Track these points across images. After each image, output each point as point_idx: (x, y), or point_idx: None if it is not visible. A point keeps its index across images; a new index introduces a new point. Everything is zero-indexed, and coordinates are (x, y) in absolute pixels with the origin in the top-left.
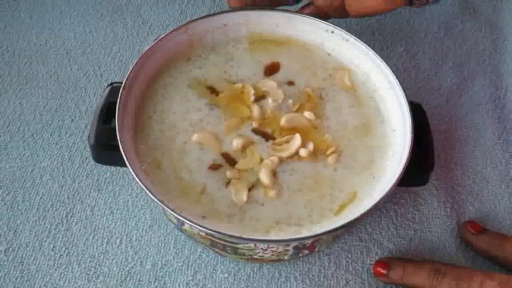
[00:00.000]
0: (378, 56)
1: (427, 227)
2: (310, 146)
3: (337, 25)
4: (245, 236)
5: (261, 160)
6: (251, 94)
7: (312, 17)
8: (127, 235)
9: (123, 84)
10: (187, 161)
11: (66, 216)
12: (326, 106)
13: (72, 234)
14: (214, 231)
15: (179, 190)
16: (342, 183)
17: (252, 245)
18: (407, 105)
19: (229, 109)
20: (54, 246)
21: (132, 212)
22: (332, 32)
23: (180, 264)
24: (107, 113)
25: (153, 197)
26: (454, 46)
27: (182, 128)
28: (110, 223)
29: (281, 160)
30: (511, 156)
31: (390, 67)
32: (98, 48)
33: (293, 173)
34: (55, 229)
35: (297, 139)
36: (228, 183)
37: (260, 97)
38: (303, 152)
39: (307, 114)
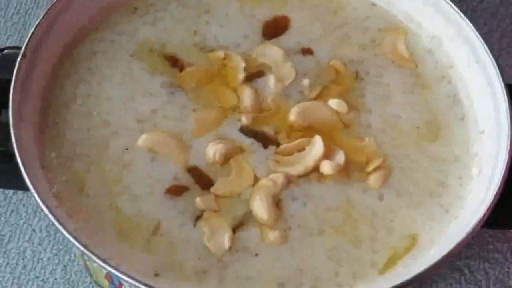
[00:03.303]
0: (458, 10)
1: None
2: (339, 157)
3: None
4: None
5: (256, 179)
6: (239, 68)
7: None
8: None
9: (22, 50)
10: (130, 180)
11: None
12: (367, 91)
13: None
14: None
15: (115, 228)
16: (392, 220)
17: None
18: (506, 91)
19: (202, 94)
20: None
21: (33, 268)
22: None
23: None
24: None
25: (70, 238)
26: None
27: (122, 124)
28: None
29: (289, 181)
30: None
31: (478, 30)
32: None
33: (309, 202)
34: None
35: (316, 146)
36: (198, 217)
37: (254, 75)
38: (326, 167)
39: (335, 103)
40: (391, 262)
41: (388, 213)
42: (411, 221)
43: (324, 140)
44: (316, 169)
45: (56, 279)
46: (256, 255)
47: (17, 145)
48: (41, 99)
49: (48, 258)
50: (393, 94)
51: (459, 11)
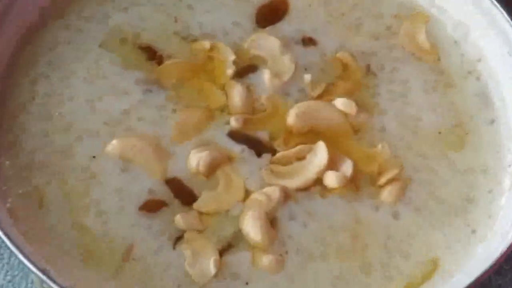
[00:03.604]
0: None
1: None
2: (347, 167)
3: None
4: None
5: (247, 193)
6: (228, 61)
7: None
8: None
9: None
10: (97, 194)
11: None
12: (380, 88)
13: None
14: None
15: (80, 251)
16: (409, 241)
17: None
18: None
19: (183, 92)
20: None
21: None
22: None
23: None
24: None
25: (27, 263)
26: None
27: (88, 128)
28: None
29: (287, 195)
30: None
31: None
32: None
33: (310, 221)
34: None
35: (319, 154)
36: (178, 238)
37: (246, 69)
38: (331, 180)
39: (342, 103)
40: None
41: (404, 234)
42: (432, 243)
43: (328, 146)
44: (318, 181)
45: None
46: (247, 283)
47: None
48: None
49: (1, 286)
50: (412, 93)
51: None
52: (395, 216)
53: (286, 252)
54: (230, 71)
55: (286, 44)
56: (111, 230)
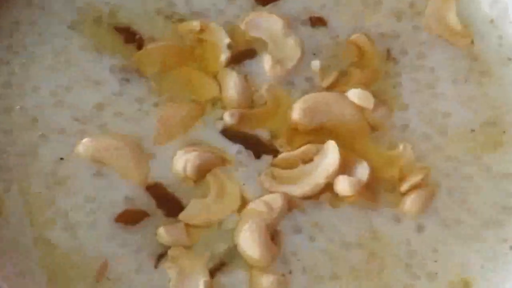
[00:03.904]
0: None
1: None
2: (362, 171)
3: None
4: None
5: (244, 202)
6: (222, 45)
7: None
8: None
9: None
10: (66, 202)
11: None
12: (403, 78)
13: None
14: None
15: (44, 270)
16: (435, 259)
17: None
18: None
19: (168, 82)
20: None
21: None
22: None
23: None
24: None
25: None
26: None
27: (55, 125)
28: None
29: (291, 204)
30: None
31: None
32: None
33: (318, 235)
34: None
35: (329, 155)
36: (162, 256)
37: (243, 54)
38: (344, 186)
39: (357, 95)
40: None
41: (429, 250)
42: (462, 261)
43: (340, 147)
44: (328, 188)
45: None
46: None
47: None
48: None
49: None
50: (440, 83)
51: None
52: (419, 229)
53: (290, 272)
54: (224, 56)
55: (291, 25)
56: (81, 245)
